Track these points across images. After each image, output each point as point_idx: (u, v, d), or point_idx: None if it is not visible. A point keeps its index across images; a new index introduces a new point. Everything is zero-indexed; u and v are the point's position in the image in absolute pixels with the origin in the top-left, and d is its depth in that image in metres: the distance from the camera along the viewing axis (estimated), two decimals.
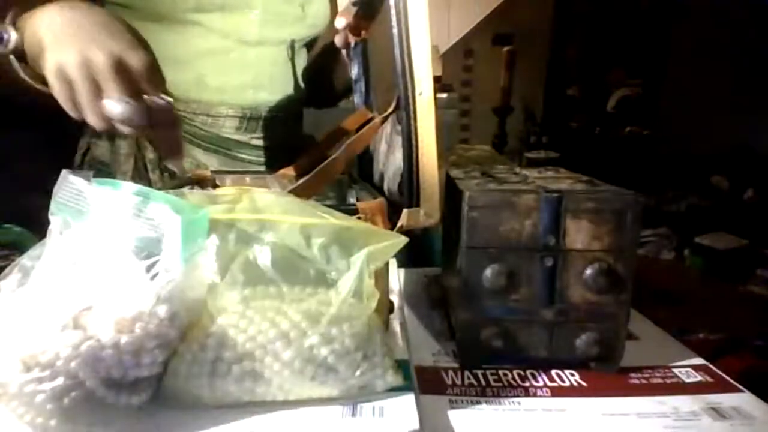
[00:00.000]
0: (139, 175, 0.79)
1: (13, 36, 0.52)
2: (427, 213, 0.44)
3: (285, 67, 0.87)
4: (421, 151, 0.43)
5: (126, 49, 0.50)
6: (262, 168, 0.85)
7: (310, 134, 0.98)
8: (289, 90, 0.89)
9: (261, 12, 0.80)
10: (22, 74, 0.54)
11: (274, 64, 0.85)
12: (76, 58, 0.48)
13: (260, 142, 0.86)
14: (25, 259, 0.35)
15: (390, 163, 0.54)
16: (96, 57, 0.48)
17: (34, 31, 0.52)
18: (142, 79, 0.50)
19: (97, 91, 0.49)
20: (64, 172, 0.36)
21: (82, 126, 0.81)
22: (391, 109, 0.49)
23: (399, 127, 0.46)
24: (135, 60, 0.50)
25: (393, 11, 0.41)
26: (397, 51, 0.41)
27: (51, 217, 0.36)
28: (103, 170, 0.79)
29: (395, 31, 0.41)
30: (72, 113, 0.50)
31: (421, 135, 0.42)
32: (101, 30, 0.50)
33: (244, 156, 0.85)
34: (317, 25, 0.88)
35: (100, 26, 0.51)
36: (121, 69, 0.49)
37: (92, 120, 0.50)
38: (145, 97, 0.51)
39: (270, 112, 0.86)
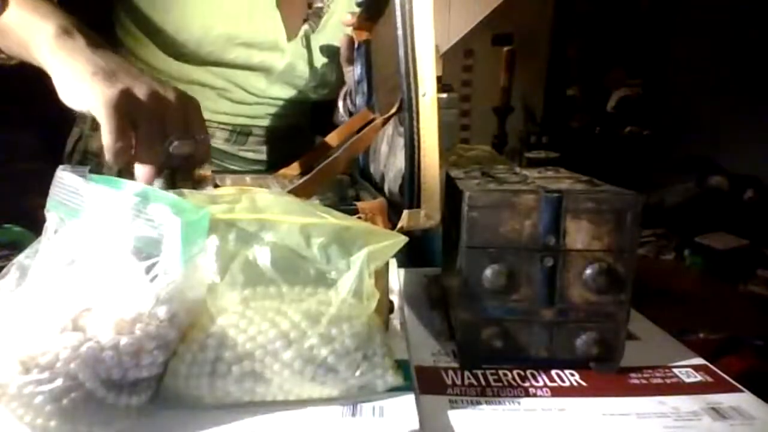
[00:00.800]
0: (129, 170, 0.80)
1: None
2: (428, 214, 0.44)
3: (285, 105, 0.87)
4: (423, 152, 0.43)
5: (179, 90, 0.51)
6: None
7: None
8: (288, 117, 0.89)
9: (275, 77, 0.80)
10: None
11: (273, 104, 0.85)
12: (145, 92, 0.47)
13: (249, 155, 0.87)
14: (22, 258, 0.35)
15: (391, 164, 0.54)
16: (167, 94, 0.48)
17: (36, 39, 0.51)
18: (193, 118, 0.51)
19: (162, 128, 0.48)
20: (59, 168, 0.35)
21: (74, 116, 0.82)
22: (393, 110, 0.49)
23: (401, 129, 0.46)
24: (190, 101, 0.51)
25: (398, 12, 0.41)
26: (401, 52, 0.41)
27: (46, 214, 0.36)
28: (94, 161, 0.79)
29: (400, 32, 0.41)
30: (116, 143, 0.46)
31: (423, 136, 0.42)
32: (134, 70, 0.50)
33: (228, 166, 0.85)
34: (324, 93, 0.88)
35: (129, 66, 0.51)
36: (184, 108, 0.50)
37: (147, 154, 0.49)
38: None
39: (264, 131, 0.86)
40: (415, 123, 0.42)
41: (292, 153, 0.90)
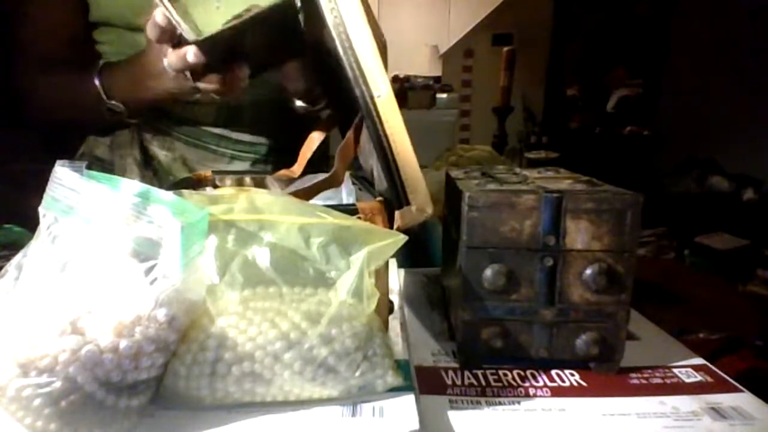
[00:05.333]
0: (140, 174, 0.80)
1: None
2: (419, 207, 0.43)
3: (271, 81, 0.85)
4: (396, 149, 0.42)
5: None
6: (246, 164, 0.84)
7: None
8: (272, 83, 0.86)
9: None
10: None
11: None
12: None
13: (242, 137, 0.85)
14: (20, 257, 0.35)
15: (375, 162, 0.54)
16: None
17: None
18: None
19: None
20: (57, 163, 0.35)
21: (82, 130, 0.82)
22: (359, 115, 0.49)
23: None
24: None
25: (330, 23, 0.41)
26: (344, 61, 0.42)
27: (40, 211, 0.35)
28: (99, 166, 0.79)
29: (337, 42, 0.41)
30: None
31: (390, 135, 0.42)
32: None
33: (224, 150, 0.83)
34: None
35: None
36: None
37: None
38: None
39: (252, 104, 0.84)
40: (378, 126, 0.42)
41: (289, 134, 0.89)
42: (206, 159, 0.82)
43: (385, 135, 0.42)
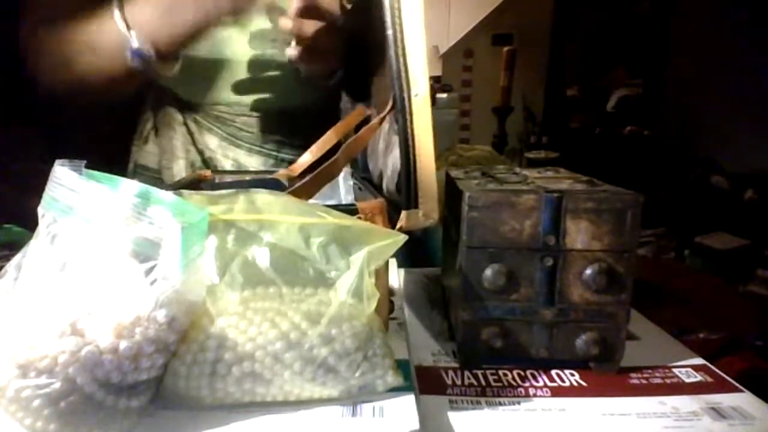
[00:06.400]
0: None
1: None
2: (426, 213, 0.43)
3: (305, 86, 0.85)
4: (419, 152, 0.42)
5: None
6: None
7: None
8: (313, 98, 0.87)
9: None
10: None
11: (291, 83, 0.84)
12: None
13: (301, 141, 0.85)
14: (20, 257, 0.35)
15: (388, 162, 0.54)
16: None
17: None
18: None
19: None
20: (56, 163, 0.34)
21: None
22: (387, 109, 0.49)
23: (396, 126, 0.46)
24: None
25: (388, 11, 0.41)
26: (391, 52, 0.41)
27: (39, 210, 0.35)
28: (147, 174, 0.80)
29: (390, 32, 0.41)
30: None
31: (417, 136, 0.42)
32: None
33: (285, 156, 0.85)
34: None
35: None
36: None
37: None
38: None
39: (304, 109, 0.85)
40: (408, 124, 0.42)
41: (318, 136, 0.90)
42: (266, 165, 0.83)
43: (412, 134, 0.42)
